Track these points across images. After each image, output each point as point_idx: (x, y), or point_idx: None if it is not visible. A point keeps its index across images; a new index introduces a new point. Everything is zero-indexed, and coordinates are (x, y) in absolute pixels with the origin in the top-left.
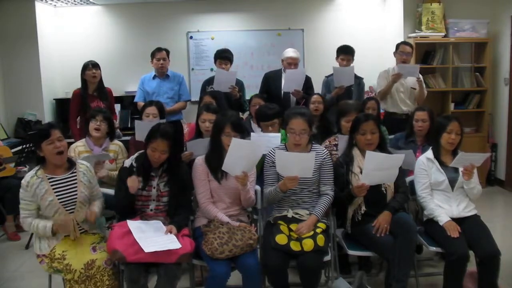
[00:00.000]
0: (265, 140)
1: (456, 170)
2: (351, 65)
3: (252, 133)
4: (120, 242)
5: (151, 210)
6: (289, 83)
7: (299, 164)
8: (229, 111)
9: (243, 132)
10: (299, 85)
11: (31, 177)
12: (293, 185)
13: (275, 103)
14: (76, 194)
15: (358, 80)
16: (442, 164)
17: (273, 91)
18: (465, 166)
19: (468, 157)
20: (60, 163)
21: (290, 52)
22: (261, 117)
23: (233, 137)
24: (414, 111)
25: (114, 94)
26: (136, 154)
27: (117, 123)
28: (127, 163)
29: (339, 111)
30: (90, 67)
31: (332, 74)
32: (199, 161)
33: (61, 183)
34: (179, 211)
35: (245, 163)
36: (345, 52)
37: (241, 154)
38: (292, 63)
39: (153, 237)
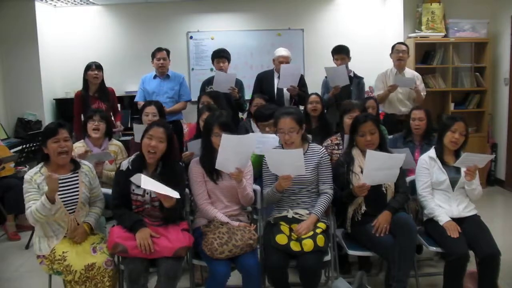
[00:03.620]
0: (264, 141)
1: (457, 170)
2: (347, 63)
3: (252, 134)
4: (120, 237)
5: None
6: (285, 78)
7: (289, 161)
8: (217, 110)
9: (232, 131)
10: (295, 81)
11: (35, 174)
12: (287, 184)
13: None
14: (77, 194)
15: (358, 79)
16: (444, 163)
17: (266, 91)
18: (468, 167)
19: (472, 158)
20: (62, 163)
21: (281, 51)
22: (258, 118)
23: (223, 134)
24: (411, 110)
25: None
26: (132, 157)
27: (119, 124)
28: (124, 165)
29: (342, 109)
30: (93, 67)
31: None
32: (194, 163)
33: (64, 182)
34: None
35: (237, 158)
36: (338, 52)
37: (232, 150)
38: (284, 61)
39: (156, 183)
